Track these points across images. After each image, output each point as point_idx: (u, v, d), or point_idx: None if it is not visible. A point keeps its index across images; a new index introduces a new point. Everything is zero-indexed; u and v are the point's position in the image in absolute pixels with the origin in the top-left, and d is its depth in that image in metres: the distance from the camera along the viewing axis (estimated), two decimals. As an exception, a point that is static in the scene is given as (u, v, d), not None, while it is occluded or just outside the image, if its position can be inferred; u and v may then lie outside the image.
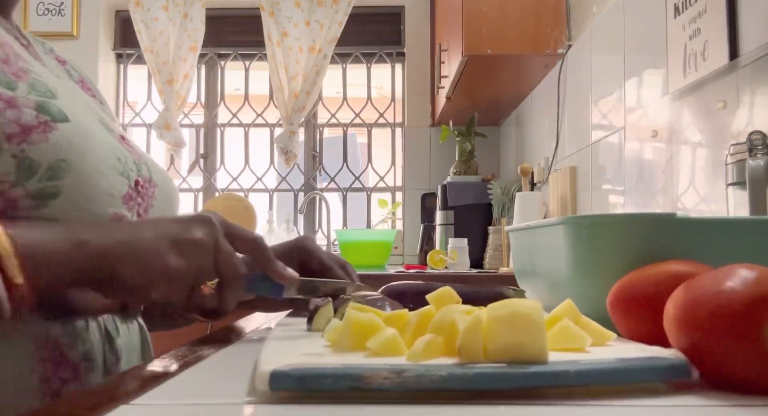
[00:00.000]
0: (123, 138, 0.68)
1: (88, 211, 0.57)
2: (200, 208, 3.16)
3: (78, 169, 0.56)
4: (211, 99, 3.28)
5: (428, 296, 0.46)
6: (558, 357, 0.37)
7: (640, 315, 0.45)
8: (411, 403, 0.34)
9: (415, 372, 0.34)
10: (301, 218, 3.14)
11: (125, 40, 3.23)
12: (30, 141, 0.53)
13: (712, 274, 0.38)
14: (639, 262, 0.50)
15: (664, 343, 0.40)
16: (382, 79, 3.39)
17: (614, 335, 0.44)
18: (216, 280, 0.55)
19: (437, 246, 2.59)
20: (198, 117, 3.28)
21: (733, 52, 1.14)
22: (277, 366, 0.35)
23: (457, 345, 0.35)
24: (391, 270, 2.27)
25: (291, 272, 0.60)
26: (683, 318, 0.37)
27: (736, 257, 0.45)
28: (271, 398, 0.35)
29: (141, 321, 0.72)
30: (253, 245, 0.59)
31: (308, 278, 0.64)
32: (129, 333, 0.67)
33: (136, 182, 0.65)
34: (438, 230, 2.63)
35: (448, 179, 2.67)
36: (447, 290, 0.47)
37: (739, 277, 0.36)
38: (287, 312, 0.80)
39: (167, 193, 0.72)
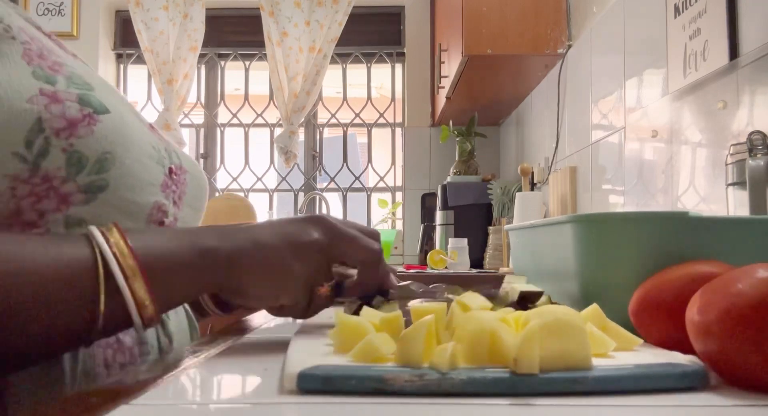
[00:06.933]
0: (151, 126, 0.68)
1: (133, 201, 0.58)
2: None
3: (122, 160, 0.56)
4: (211, 99, 3.28)
5: (456, 299, 0.45)
6: None
7: (663, 321, 0.44)
8: (433, 403, 0.33)
9: (436, 375, 0.34)
10: (301, 218, 3.14)
11: (125, 40, 3.23)
12: (77, 135, 0.53)
13: (727, 276, 0.37)
14: (649, 261, 0.50)
15: (690, 348, 0.39)
16: (382, 79, 3.39)
17: (640, 340, 0.43)
18: (333, 282, 0.57)
19: (437, 246, 2.59)
20: (198, 117, 3.28)
21: (733, 52, 1.14)
22: (304, 367, 0.35)
23: (513, 357, 0.34)
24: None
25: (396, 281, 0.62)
26: (698, 322, 0.36)
27: (748, 257, 0.45)
28: (276, 398, 0.35)
29: (187, 307, 0.72)
30: (368, 255, 0.57)
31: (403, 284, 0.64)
32: (178, 317, 0.68)
33: (170, 170, 0.65)
34: (438, 230, 2.63)
35: (448, 179, 2.68)
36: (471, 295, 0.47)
37: (752, 278, 0.35)
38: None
39: (197, 178, 0.73)
